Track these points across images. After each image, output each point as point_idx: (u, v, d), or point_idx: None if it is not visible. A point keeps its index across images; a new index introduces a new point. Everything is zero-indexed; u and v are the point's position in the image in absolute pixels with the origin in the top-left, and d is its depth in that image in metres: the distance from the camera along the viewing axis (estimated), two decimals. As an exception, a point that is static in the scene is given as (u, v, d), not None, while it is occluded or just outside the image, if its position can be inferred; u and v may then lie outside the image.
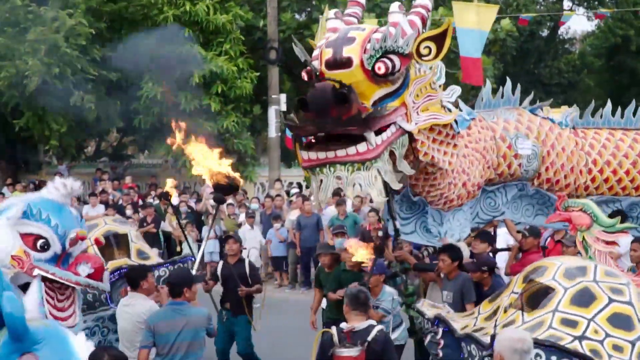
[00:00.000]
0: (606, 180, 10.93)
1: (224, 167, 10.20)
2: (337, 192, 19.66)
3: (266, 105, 26.47)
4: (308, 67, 8.74)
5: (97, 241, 8.86)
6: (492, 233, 12.20)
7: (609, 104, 11.47)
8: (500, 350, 5.85)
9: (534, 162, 10.34)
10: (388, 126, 8.62)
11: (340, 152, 8.35)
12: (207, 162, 9.83)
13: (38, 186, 25.63)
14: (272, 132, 26.14)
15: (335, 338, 7.56)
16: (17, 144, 27.40)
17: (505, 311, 7.29)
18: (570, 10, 38.39)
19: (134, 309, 8.73)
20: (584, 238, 8.38)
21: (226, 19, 24.26)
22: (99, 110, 23.68)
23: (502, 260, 12.43)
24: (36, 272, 7.26)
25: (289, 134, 23.75)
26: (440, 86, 9.38)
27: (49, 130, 23.41)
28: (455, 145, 9.31)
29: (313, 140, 8.55)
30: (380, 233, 13.05)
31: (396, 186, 8.96)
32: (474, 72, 19.80)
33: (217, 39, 24.63)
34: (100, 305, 10.23)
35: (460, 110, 9.72)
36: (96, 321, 10.16)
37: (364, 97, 8.43)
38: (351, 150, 8.35)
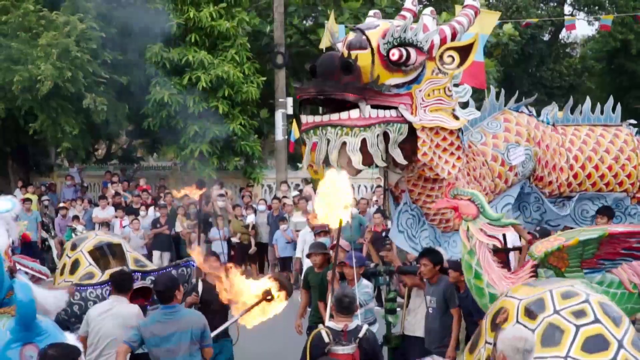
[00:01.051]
0: (589, 176, 10.71)
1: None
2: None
3: (273, 108, 26.49)
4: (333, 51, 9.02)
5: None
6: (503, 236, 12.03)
7: (610, 101, 11.33)
8: (502, 349, 5.80)
9: (529, 164, 10.17)
10: (389, 108, 8.76)
11: (334, 116, 8.62)
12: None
13: (49, 188, 25.74)
14: (279, 135, 26.11)
15: (327, 337, 7.70)
16: (28, 146, 27.47)
17: None
18: (571, 15, 38.37)
19: (121, 311, 8.39)
20: (468, 228, 8.31)
21: (230, 25, 24.29)
22: (109, 113, 23.74)
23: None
24: (18, 266, 7.19)
25: (293, 138, 23.79)
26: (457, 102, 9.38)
27: (62, 132, 23.44)
28: (458, 158, 9.24)
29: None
30: (384, 234, 13.03)
31: (380, 163, 8.96)
32: (477, 76, 19.74)
33: (222, 43, 24.67)
34: None
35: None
36: None
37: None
38: (343, 114, 8.60)
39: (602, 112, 11.24)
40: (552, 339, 6.59)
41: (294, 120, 24.04)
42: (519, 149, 10.07)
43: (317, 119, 8.71)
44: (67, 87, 22.14)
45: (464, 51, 8.97)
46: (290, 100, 25.77)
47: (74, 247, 10.85)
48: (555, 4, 39.87)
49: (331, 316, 8.28)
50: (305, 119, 8.84)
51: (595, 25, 39.90)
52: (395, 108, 8.79)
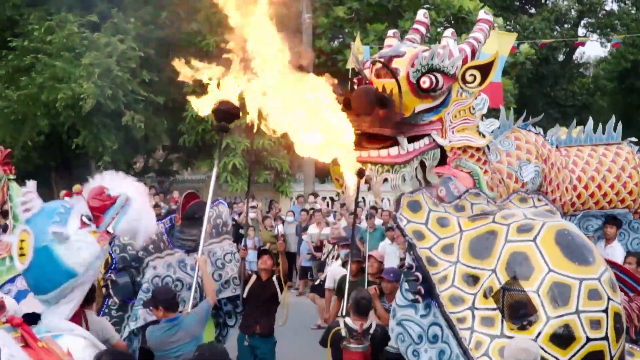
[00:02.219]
0: (592, 195, 10.72)
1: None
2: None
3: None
4: (359, 76, 8.82)
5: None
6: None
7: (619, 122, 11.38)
8: (507, 358, 5.97)
9: (538, 180, 10.07)
10: (422, 137, 8.71)
11: (373, 153, 8.45)
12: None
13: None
14: (307, 150, 26.15)
15: (344, 333, 8.00)
16: (71, 160, 27.74)
17: (485, 296, 6.68)
18: (585, 36, 38.30)
19: (93, 327, 8.03)
20: None
21: (259, 47, 24.40)
22: (148, 129, 23.94)
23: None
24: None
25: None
26: (480, 116, 9.38)
27: (102, 147, 23.69)
28: (485, 172, 9.23)
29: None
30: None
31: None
32: (494, 95, 19.77)
33: (255, 62, 24.77)
34: (165, 248, 9.56)
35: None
36: (167, 268, 9.38)
37: (405, 108, 8.46)
38: (383, 152, 8.45)
39: (603, 132, 11.25)
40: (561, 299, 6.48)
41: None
42: (529, 166, 10.04)
43: (357, 154, 8.42)
44: (107, 105, 22.40)
45: (485, 69, 8.88)
46: (317, 118, 25.77)
47: None
48: (570, 27, 39.77)
49: (348, 314, 8.45)
50: None
51: (607, 47, 39.94)
52: (428, 135, 8.75)
